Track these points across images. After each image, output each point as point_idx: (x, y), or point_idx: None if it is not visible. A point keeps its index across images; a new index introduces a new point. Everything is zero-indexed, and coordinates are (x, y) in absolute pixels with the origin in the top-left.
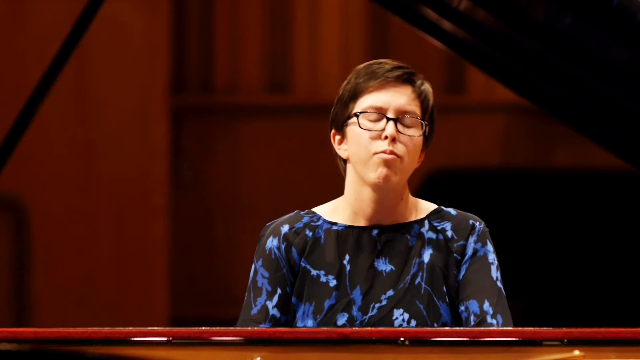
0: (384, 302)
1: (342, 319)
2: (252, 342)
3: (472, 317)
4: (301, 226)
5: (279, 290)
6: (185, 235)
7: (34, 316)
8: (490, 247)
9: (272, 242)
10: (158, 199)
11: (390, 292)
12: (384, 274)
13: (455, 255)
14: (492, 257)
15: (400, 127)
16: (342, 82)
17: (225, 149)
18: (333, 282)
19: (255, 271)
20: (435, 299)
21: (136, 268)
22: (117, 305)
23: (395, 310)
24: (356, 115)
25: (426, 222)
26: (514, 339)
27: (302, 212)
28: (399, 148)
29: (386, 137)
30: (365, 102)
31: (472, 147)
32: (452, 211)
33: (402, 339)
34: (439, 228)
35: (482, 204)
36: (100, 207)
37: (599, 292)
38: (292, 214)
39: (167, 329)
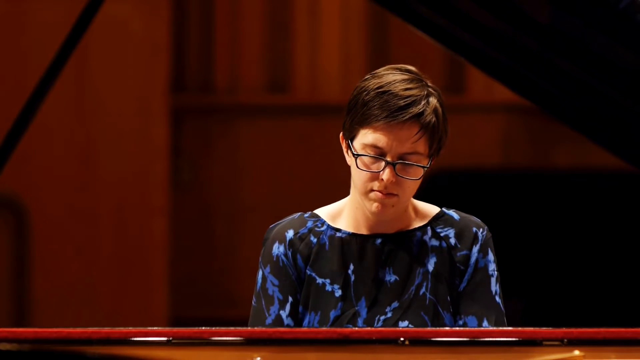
0: (389, 314)
1: None
2: (252, 342)
3: None
4: (306, 232)
5: (290, 299)
6: (185, 235)
7: (34, 316)
8: (491, 256)
9: (278, 249)
10: (158, 199)
11: (395, 304)
12: (389, 285)
13: (458, 265)
14: (492, 267)
15: (399, 168)
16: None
17: (225, 149)
18: (338, 292)
19: (264, 278)
20: (440, 309)
21: (136, 268)
22: (117, 305)
23: (400, 322)
24: (355, 155)
25: (429, 228)
26: (514, 339)
27: (305, 215)
28: (396, 188)
29: (383, 180)
30: (368, 138)
31: (472, 147)
32: (455, 215)
33: (402, 339)
34: (442, 235)
35: (482, 204)
36: (100, 207)
37: (599, 292)
38: (295, 216)
39: (167, 329)
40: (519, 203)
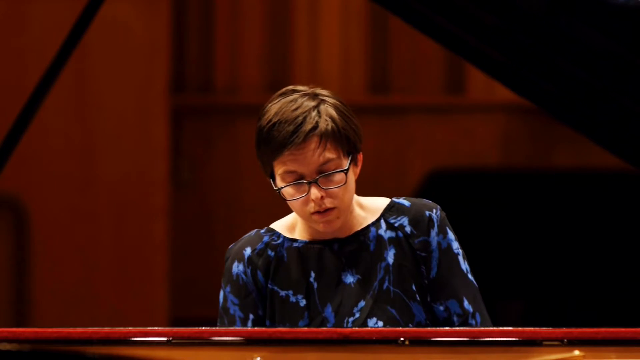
0: (357, 315)
1: None
2: (252, 342)
3: (455, 318)
4: (262, 247)
5: (251, 316)
6: (185, 235)
7: (34, 316)
8: (451, 235)
9: (237, 268)
10: (158, 199)
11: (361, 303)
12: (352, 286)
13: (418, 252)
14: (455, 246)
15: (323, 181)
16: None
17: (225, 149)
18: (303, 302)
19: (225, 297)
20: (405, 299)
21: (136, 268)
22: (117, 305)
23: (369, 320)
24: (277, 190)
25: (382, 221)
26: (514, 339)
27: (261, 231)
28: (332, 201)
29: (313, 200)
30: (281, 171)
31: (472, 147)
32: (406, 202)
33: (402, 339)
34: (396, 225)
35: (482, 204)
36: (100, 207)
37: (599, 292)
38: (251, 233)
39: (167, 329)
40: (519, 203)
